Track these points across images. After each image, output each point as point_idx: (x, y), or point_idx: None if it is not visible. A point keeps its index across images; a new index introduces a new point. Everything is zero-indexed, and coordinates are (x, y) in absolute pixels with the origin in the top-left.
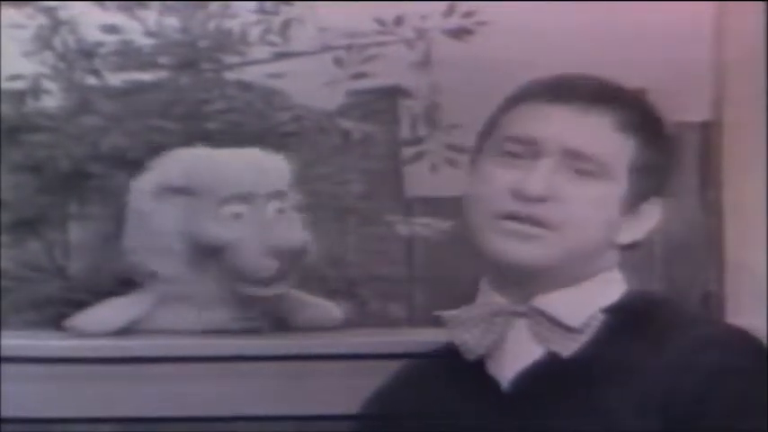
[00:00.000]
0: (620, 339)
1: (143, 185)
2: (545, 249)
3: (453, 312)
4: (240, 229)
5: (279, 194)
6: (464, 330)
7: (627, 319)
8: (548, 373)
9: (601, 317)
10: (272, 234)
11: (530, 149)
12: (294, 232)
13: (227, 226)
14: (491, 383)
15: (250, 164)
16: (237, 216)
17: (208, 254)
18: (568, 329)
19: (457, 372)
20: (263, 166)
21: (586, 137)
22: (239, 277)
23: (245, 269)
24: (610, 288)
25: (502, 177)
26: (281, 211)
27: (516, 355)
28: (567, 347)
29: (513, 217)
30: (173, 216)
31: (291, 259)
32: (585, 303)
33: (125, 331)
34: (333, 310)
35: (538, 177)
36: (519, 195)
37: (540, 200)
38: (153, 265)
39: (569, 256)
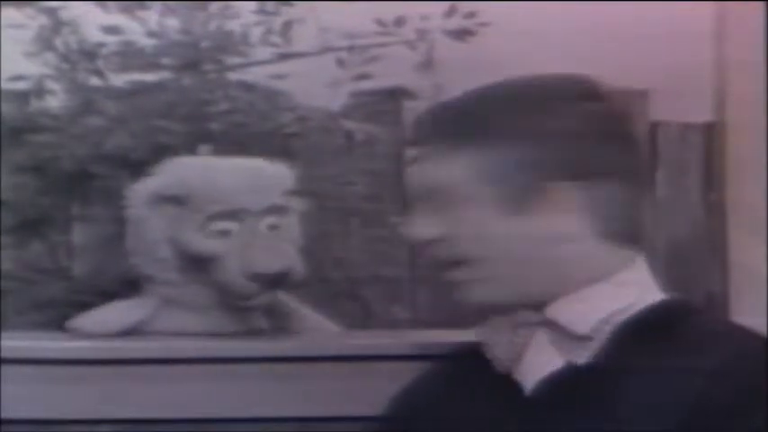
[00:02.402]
0: (644, 346)
1: (138, 192)
2: (494, 289)
3: (483, 328)
4: (226, 247)
5: (275, 209)
6: (493, 345)
7: (655, 325)
8: (566, 379)
9: (616, 321)
10: (255, 257)
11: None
12: (280, 256)
13: (213, 242)
14: (516, 388)
15: (248, 176)
16: (225, 233)
17: (195, 264)
18: (578, 337)
19: (482, 374)
20: (263, 179)
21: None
22: (223, 291)
23: (227, 286)
24: (621, 291)
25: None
26: (273, 227)
27: (538, 363)
28: (580, 355)
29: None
30: (163, 224)
31: (273, 283)
32: (593, 309)
33: (125, 333)
34: (324, 324)
35: (417, 222)
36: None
37: (435, 241)
38: (148, 270)
39: (525, 284)
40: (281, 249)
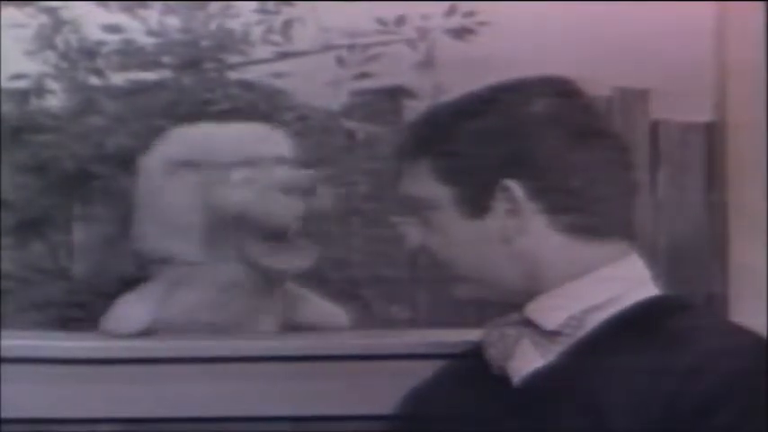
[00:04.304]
0: (625, 342)
1: (149, 163)
2: (473, 287)
3: (483, 331)
4: (252, 191)
5: (284, 160)
6: (488, 345)
7: (638, 321)
8: (543, 376)
9: (596, 317)
10: (281, 184)
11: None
12: (303, 179)
13: (238, 190)
14: (509, 386)
15: (252, 132)
16: (248, 179)
17: (222, 224)
18: (549, 333)
19: (484, 374)
20: (265, 135)
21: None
22: (257, 237)
23: (260, 222)
24: (600, 287)
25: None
26: (285, 183)
27: (523, 361)
28: (551, 351)
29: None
30: (183, 190)
31: (307, 194)
32: (564, 305)
33: (147, 329)
34: (338, 315)
35: (405, 232)
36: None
37: (421, 247)
38: (165, 248)
39: (500, 282)
40: (303, 178)
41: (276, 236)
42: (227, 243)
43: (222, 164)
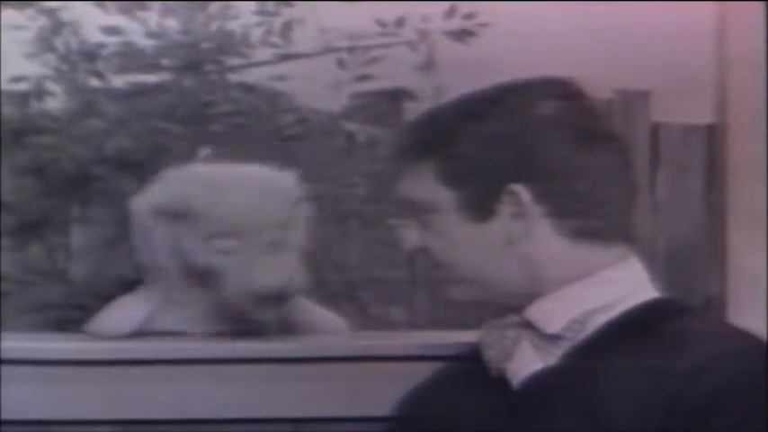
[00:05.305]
0: (625, 345)
1: (141, 203)
2: (471, 290)
3: (481, 332)
4: (226, 264)
5: (278, 224)
6: (486, 347)
7: (637, 324)
8: (543, 380)
9: (596, 320)
10: (254, 275)
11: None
12: (279, 272)
13: (214, 257)
14: (507, 388)
15: (251, 191)
16: (226, 251)
17: (198, 277)
18: (550, 337)
19: (482, 376)
20: (267, 193)
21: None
22: (224, 306)
23: (227, 302)
24: (600, 290)
25: None
26: (275, 243)
27: (522, 364)
28: (552, 354)
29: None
30: (167, 235)
31: (273, 300)
32: (566, 309)
33: (138, 331)
34: (337, 323)
35: (402, 233)
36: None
37: (418, 249)
38: (153, 272)
39: (500, 286)
40: (281, 265)
41: (263, 297)
42: (203, 287)
43: (206, 226)
